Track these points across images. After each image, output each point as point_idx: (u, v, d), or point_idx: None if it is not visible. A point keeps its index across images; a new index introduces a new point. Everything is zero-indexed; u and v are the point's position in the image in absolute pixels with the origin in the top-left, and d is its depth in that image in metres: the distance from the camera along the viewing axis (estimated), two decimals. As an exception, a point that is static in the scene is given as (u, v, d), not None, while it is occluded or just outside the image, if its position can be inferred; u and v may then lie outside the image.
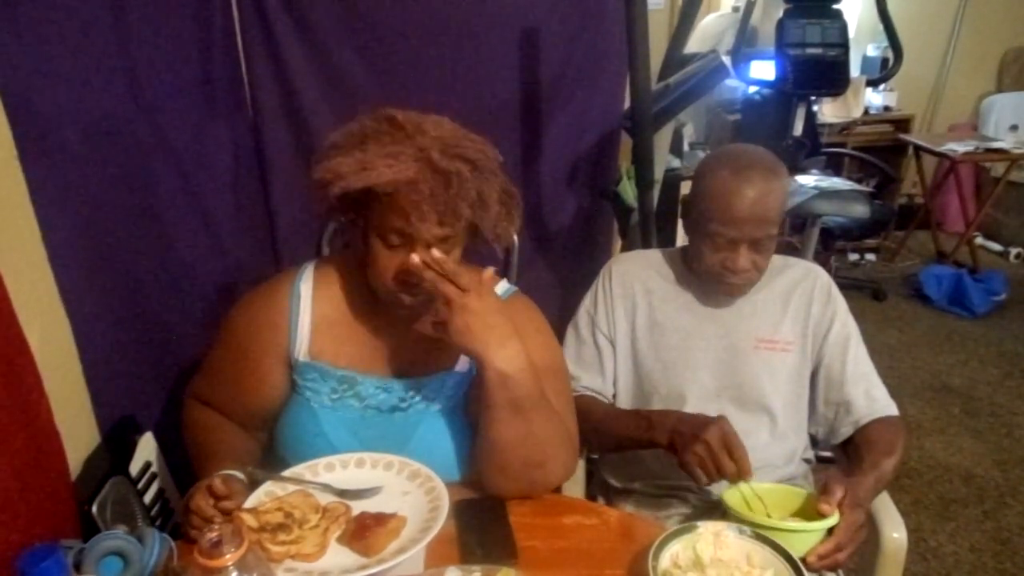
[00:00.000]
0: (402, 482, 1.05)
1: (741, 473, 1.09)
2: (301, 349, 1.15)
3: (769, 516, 1.08)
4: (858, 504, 1.08)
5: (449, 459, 1.13)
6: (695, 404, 1.33)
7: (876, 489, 1.20)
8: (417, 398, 1.15)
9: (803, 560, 0.99)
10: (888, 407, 1.32)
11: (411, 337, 1.17)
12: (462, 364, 1.16)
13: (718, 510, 1.16)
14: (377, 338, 1.18)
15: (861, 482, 1.15)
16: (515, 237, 1.55)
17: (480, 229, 1.09)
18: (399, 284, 1.06)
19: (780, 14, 2.98)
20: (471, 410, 1.15)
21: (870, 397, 1.31)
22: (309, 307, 1.17)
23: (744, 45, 3.30)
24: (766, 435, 1.32)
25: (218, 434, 1.18)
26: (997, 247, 4.46)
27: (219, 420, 1.21)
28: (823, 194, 2.76)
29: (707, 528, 0.98)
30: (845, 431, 1.32)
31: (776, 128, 3.15)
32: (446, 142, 1.02)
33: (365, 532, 0.92)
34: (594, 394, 1.40)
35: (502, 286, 1.23)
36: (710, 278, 1.30)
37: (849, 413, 1.31)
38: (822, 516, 1.04)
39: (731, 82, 3.52)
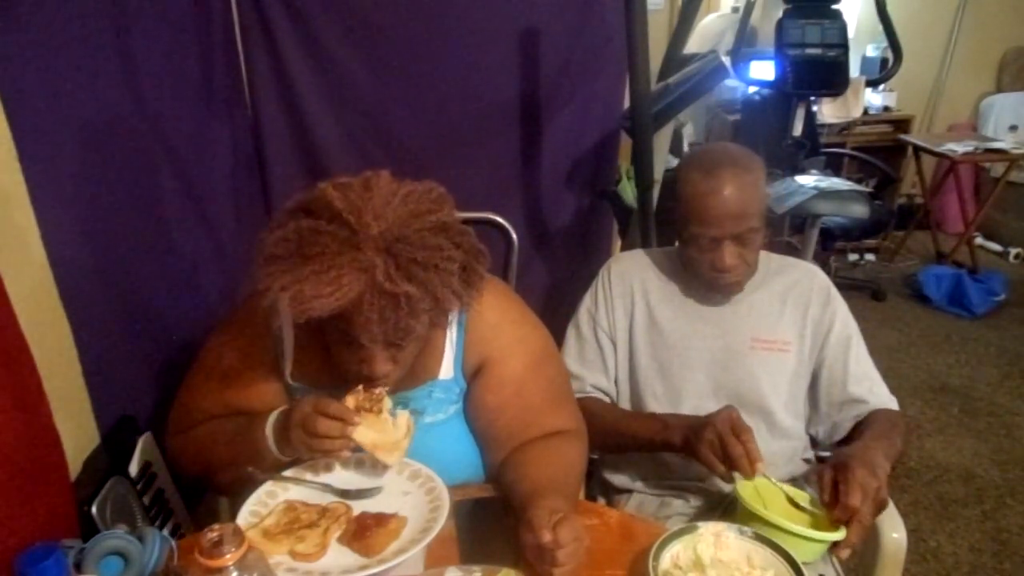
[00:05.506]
0: (403, 482, 1.05)
1: (749, 456, 1.07)
2: (287, 371, 1.12)
3: (791, 501, 1.09)
4: (874, 472, 1.05)
5: (442, 471, 1.10)
6: (691, 403, 1.33)
7: (888, 454, 1.14)
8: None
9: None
10: (890, 402, 1.33)
11: None
12: (446, 371, 1.15)
13: (719, 510, 1.16)
14: None
15: (870, 446, 1.14)
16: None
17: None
18: (359, 377, 1.02)
19: (780, 14, 2.98)
20: (471, 420, 1.16)
21: (872, 393, 1.32)
22: (290, 326, 1.10)
23: (744, 45, 3.31)
24: (764, 434, 1.32)
25: (231, 420, 1.13)
26: (997, 247, 4.46)
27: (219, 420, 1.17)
28: (823, 194, 2.76)
29: (708, 529, 0.98)
30: (847, 426, 1.32)
31: (776, 128, 3.16)
32: (393, 244, 0.91)
33: (365, 532, 0.92)
34: (599, 394, 1.40)
35: None
36: (703, 281, 1.31)
37: (852, 410, 1.32)
38: (832, 512, 1.04)
39: (731, 82, 3.52)
